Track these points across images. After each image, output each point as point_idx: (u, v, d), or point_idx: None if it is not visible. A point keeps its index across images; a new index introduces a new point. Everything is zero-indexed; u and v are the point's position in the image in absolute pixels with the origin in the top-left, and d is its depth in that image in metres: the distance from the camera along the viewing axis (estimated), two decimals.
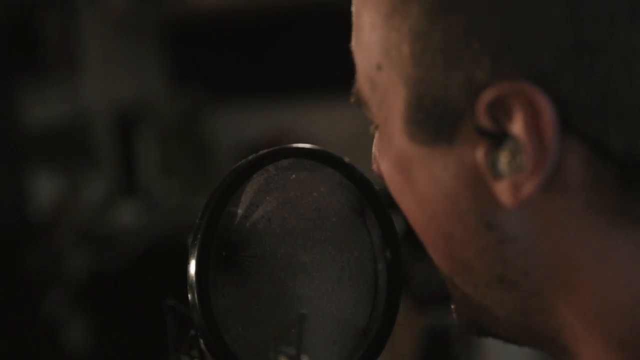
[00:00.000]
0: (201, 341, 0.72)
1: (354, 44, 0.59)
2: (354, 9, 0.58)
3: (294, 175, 0.67)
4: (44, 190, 2.96)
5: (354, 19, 0.58)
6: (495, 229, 0.52)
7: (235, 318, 0.65)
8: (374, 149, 0.62)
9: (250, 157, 0.65)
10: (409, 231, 0.60)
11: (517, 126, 0.49)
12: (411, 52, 0.53)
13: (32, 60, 2.99)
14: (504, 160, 0.50)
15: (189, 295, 0.63)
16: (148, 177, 3.02)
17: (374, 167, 0.63)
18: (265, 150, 0.66)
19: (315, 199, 0.67)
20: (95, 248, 2.88)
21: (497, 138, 0.50)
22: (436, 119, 0.52)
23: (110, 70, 3.13)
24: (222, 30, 3.08)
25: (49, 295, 2.86)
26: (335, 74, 2.99)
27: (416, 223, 0.57)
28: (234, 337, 0.64)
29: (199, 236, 0.63)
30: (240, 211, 0.65)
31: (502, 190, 0.51)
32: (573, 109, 0.48)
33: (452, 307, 0.60)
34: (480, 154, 0.51)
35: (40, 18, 3.00)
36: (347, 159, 0.68)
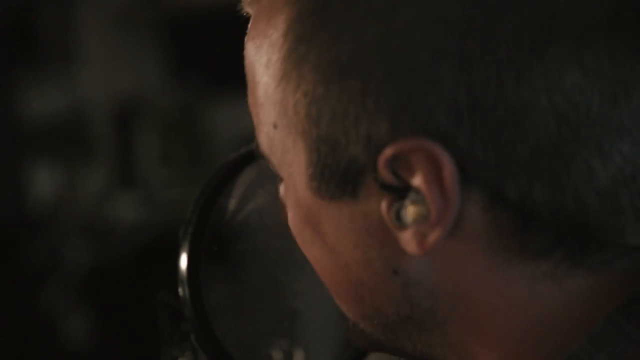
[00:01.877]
0: (192, 336, 0.72)
1: (249, 100, 0.60)
2: (246, 63, 0.60)
3: None
4: (42, 184, 2.96)
5: (247, 72, 0.60)
6: (401, 274, 0.54)
7: (227, 312, 0.64)
8: (281, 188, 0.62)
9: (241, 151, 0.65)
10: None
11: (419, 180, 0.51)
12: (307, 114, 0.53)
13: (31, 53, 2.98)
14: (407, 212, 0.51)
15: (180, 290, 0.62)
16: (146, 170, 3.02)
17: (281, 207, 0.62)
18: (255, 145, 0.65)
19: None
20: (94, 241, 2.87)
21: (400, 191, 0.52)
22: (339, 175, 0.53)
23: (108, 63, 3.12)
24: (221, 23, 3.06)
25: (47, 288, 2.86)
26: None
27: (327, 274, 0.58)
28: (226, 331, 0.64)
29: (190, 230, 0.62)
30: (231, 205, 0.64)
31: (408, 240, 0.52)
32: (470, 162, 0.50)
33: (349, 332, 0.61)
34: (384, 206, 0.52)
35: (39, 11, 3.00)
36: None
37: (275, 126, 0.55)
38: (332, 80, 0.52)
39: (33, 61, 2.98)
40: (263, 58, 0.56)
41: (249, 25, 0.59)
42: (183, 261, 0.62)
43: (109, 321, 2.90)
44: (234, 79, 2.91)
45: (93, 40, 3.07)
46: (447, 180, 0.50)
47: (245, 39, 0.60)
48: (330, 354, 0.69)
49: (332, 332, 0.69)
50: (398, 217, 0.52)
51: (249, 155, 0.65)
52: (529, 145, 0.50)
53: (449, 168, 0.50)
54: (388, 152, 0.51)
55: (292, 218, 0.58)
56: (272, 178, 0.66)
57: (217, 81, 3.04)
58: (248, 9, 0.60)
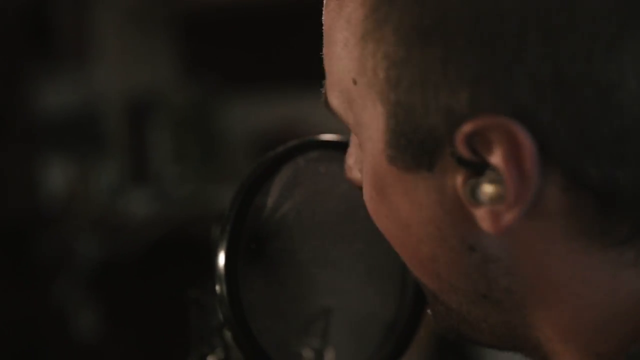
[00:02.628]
0: (226, 333, 0.72)
1: (325, 53, 0.58)
2: (324, 20, 0.58)
3: (322, 168, 0.66)
4: (55, 178, 2.96)
5: (325, 30, 0.58)
6: (478, 251, 0.53)
7: (263, 311, 0.64)
8: (349, 159, 0.62)
9: (279, 149, 0.65)
10: None
11: (497, 158, 0.49)
12: (387, 77, 0.52)
13: (45, 49, 2.98)
14: (483, 190, 0.50)
15: (217, 287, 0.62)
16: (160, 165, 3.02)
17: (348, 174, 0.62)
18: (294, 142, 0.65)
19: (344, 192, 0.66)
20: (107, 236, 2.87)
21: (477, 167, 0.50)
22: (416, 145, 0.52)
23: (123, 59, 3.12)
24: (235, 21, 3.07)
25: (59, 282, 2.86)
26: None
27: (401, 247, 0.57)
28: (261, 329, 0.64)
29: (227, 228, 0.62)
30: (269, 203, 0.64)
31: (483, 218, 0.51)
32: (551, 141, 0.49)
33: (430, 312, 0.60)
34: (459, 182, 0.51)
35: (54, 6, 3.00)
36: None
37: (355, 82, 0.54)
38: (413, 44, 0.50)
39: (48, 56, 2.98)
40: (344, 12, 0.54)
41: None
42: (221, 259, 0.62)
43: (120, 316, 2.90)
44: (248, 76, 2.93)
45: (108, 36, 3.07)
46: (526, 160, 0.49)
47: None
48: (361, 356, 0.69)
49: (366, 333, 0.69)
50: (473, 193, 0.51)
51: (287, 153, 0.64)
52: (613, 126, 0.48)
53: (529, 148, 0.48)
54: (466, 127, 0.49)
55: (366, 187, 0.56)
56: (309, 176, 0.66)
57: (230, 78, 3.04)
58: None
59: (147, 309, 2.91)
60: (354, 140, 0.61)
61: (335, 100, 0.57)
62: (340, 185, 0.66)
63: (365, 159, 0.56)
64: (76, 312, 2.89)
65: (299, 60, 3.01)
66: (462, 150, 0.50)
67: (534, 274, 0.52)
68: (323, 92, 0.59)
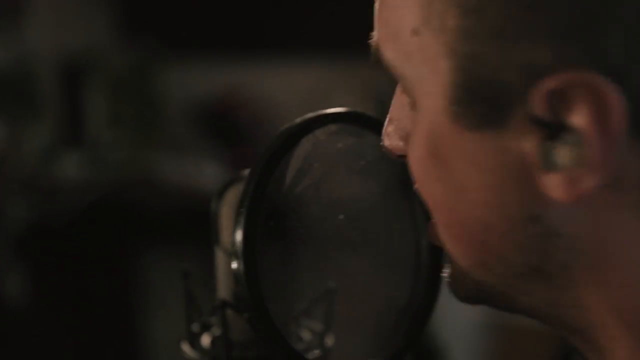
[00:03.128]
0: (225, 310, 0.69)
1: (380, 2, 0.54)
2: None
3: (341, 143, 0.63)
4: None
5: None
6: (539, 222, 0.49)
7: (277, 290, 0.61)
8: (389, 125, 0.57)
9: (297, 121, 0.61)
10: None
11: (580, 118, 0.46)
12: (459, 26, 0.48)
13: None
14: (560, 153, 0.47)
15: (234, 265, 0.59)
16: (94, 129, 2.94)
17: (386, 142, 0.58)
18: (313, 114, 0.62)
19: (363, 168, 0.64)
20: (37, 199, 2.80)
21: (553, 128, 0.47)
22: (485, 102, 0.48)
23: (58, 17, 3.02)
24: None
25: None
26: (292, 32, 2.95)
27: (446, 214, 0.53)
28: (276, 310, 0.61)
29: (246, 203, 0.58)
30: (288, 178, 0.61)
31: (555, 184, 0.47)
32: None
33: (450, 281, 0.57)
34: (531, 143, 0.47)
35: None
36: None
37: (415, 33, 0.50)
38: None
39: None
40: None
41: None
42: (239, 235, 0.58)
43: (48, 280, 2.84)
44: (189, 40, 2.86)
45: None
46: (614, 122, 0.45)
47: None
48: (375, 340, 0.67)
49: (379, 315, 0.66)
50: (547, 157, 0.47)
51: (306, 125, 0.61)
52: None
53: (619, 109, 0.45)
54: (549, 83, 0.46)
55: (417, 149, 0.52)
56: (328, 150, 0.63)
57: (171, 42, 2.98)
58: None
59: (76, 274, 2.85)
60: (397, 105, 0.57)
61: (390, 53, 0.53)
62: (359, 161, 0.64)
63: (420, 117, 0.52)
64: (3, 274, 2.81)
65: (243, 26, 2.96)
66: (540, 109, 0.46)
67: (599, 250, 0.49)
68: (373, 44, 0.55)
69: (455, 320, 2.14)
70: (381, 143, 0.58)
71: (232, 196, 0.71)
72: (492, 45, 0.47)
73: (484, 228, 0.51)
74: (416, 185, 0.54)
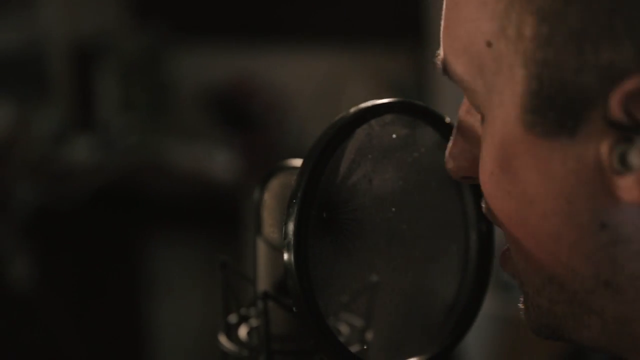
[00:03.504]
0: (260, 302, 0.68)
1: (449, 16, 0.53)
2: None
3: (395, 133, 0.61)
4: None
5: None
6: (609, 229, 0.49)
7: (328, 285, 0.60)
8: (453, 147, 0.57)
9: (352, 110, 0.60)
10: None
11: None
12: (537, 33, 0.48)
13: None
14: (638, 155, 0.46)
15: (285, 257, 0.57)
16: (106, 113, 2.93)
17: (450, 164, 0.57)
18: (368, 104, 0.60)
19: (416, 160, 0.62)
20: (47, 183, 2.78)
21: (629, 131, 0.46)
22: (560, 107, 0.48)
23: (71, 0, 3.01)
24: None
25: None
26: (307, 20, 2.93)
27: (517, 227, 0.52)
28: (326, 305, 0.59)
29: (299, 194, 0.56)
30: (341, 169, 0.59)
31: (629, 187, 0.47)
32: None
33: (522, 308, 0.56)
34: (606, 147, 0.47)
35: None
36: (448, 119, 0.63)
37: (489, 45, 0.50)
38: None
39: None
40: None
41: None
42: (290, 227, 0.56)
43: (56, 264, 2.83)
44: (202, 25, 2.85)
45: None
46: None
47: None
48: (420, 336, 0.65)
49: (426, 312, 0.65)
50: (622, 160, 0.47)
51: (361, 115, 0.59)
52: None
53: None
54: (630, 84, 0.45)
55: (488, 163, 0.52)
56: (382, 141, 0.61)
57: (183, 26, 2.96)
58: None
59: (84, 259, 2.84)
60: (462, 127, 0.57)
61: (461, 67, 0.52)
62: (412, 153, 0.62)
63: (491, 130, 0.52)
64: (11, 258, 2.80)
65: (257, 12, 2.94)
66: (617, 111, 0.46)
67: None
68: (439, 59, 0.55)
69: None
70: (445, 165, 0.58)
71: (276, 186, 0.69)
72: (571, 50, 0.47)
73: (553, 239, 0.51)
74: (487, 203, 0.54)
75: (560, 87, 0.47)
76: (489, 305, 2.49)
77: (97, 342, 2.79)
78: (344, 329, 0.70)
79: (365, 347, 0.67)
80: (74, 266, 2.84)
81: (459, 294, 0.65)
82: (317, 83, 2.76)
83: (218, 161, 2.70)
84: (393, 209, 0.61)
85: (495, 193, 0.52)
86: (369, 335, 0.69)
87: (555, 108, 0.48)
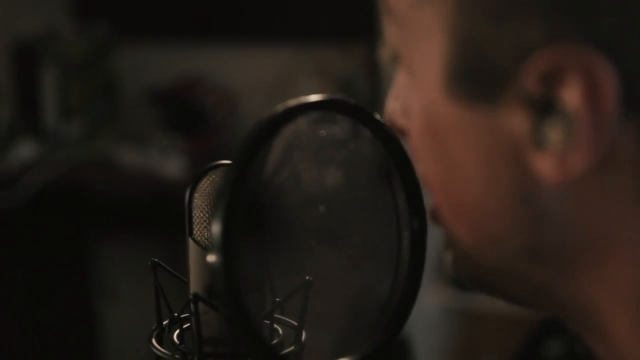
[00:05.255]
0: (193, 306, 0.67)
1: None
2: None
3: (323, 130, 0.61)
4: None
5: None
6: (533, 202, 0.48)
7: (254, 284, 0.59)
8: (393, 102, 0.57)
9: (279, 108, 0.59)
10: None
11: (572, 96, 0.45)
12: (458, 4, 0.48)
13: None
14: (552, 132, 0.46)
15: (212, 258, 0.56)
16: (50, 114, 2.89)
17: (389, 119, 0.57)
18: (294, 101, 0.59)
19: (345, 157, 0.62)
20: None
21: (545, 107, 0.46)
22: (479, 77, 0.47)
23: (9, 1, 2.97)
24: None
25: None
26: (256, 18, 2.91)
27: (442, 191, 0.52)
28: (253, 305, 0.59)
29: (225, 194, 0.56)
30: (268, 168, 0.58)
31: (546, 164, 0.47)
32: (636, 85, 0.45)
33: (452, 263, 0.56)
34: (522, 122, 0.47)
35: None
36: (377, 115, 0.62)
37: (415, 8, 0.50)
38: None
39: None
40: None
41: None
42: (217, 227, 0.56)
43: (2, 263, 2.79)
44: (146, 25, 2.81)
45: None
46: (607, 101, 0.44)
47: None
48: (354, 335, 0.64)
49: (359, 311, 0.64)
50: (538, 136, 0.46)
51: (288, 112, 0.58)
52: None
53: (612, 88, 0.44)
54: (540, 58, 0.45)
55: (417, 127, 0.52)
56: (310, 139, 0.60)
57: (127, 26, 2.93)
58: None
59: (30, 260, 2.80)
60: (399, 85, 0.56)
61: (392, 33, 0.53)
62: (341, 150, 0.62)
63: (419, 95, 0.52)
64: None
65: (206, 11, 2.92)
66: (531, 85, 0.46)
67: (593, 231, 0.48)
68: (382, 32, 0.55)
69: (422, 306, 2.13)
70: (383, 120, 0.58)
71: (207, 186, 0.68)
72: (487, 22, 0.47)
73: (479, 207, 0.50)
74: (416, 164, 0.54)
75: (480, 58, 0.47)
76: (446, 298, 2.50)
77: (45, 346, 2.75)
78: (279, 329, 0.69)
79: (297, 348, 0.66)
80: (18, 269, 2.80)
81: (392, 292, 0.64)
82: (268, 82, 2.74)
83: (167, 162, 2.68)
84: (322, 208, 0.61)
85: (422, 155, 0.53)
86: (303, 336, 0.68)
87: (475, 77, 0.48)
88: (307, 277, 0.65)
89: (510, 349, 2.20)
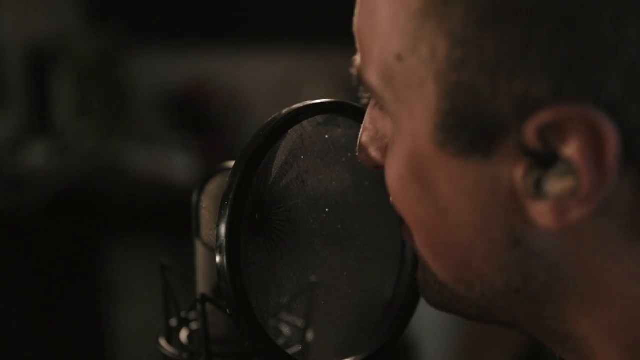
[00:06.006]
0: (200, 305, 0.67)
1: (362, 26, 0.52)
2: None
3: (328, 134, 0.62)
4: None
5: (361, 1, 0.52)
6: (523, 245, 0.49)
7: (260, 285, 0.60)
8: (363, 136, 0.57)
9: (284, 112, 0.60)
10: None
11: (573, 150, 0.46)
12: (450, 55, 0.47)
13: None
14: (551, 183, 0.47)
15: (217, 259, 0.57)
16: (62, 117, 2.91)
17: (362, 155, 0.57)
18: (300, 105, 0.60)
19: (350, 160, 0.62)
20: (2, 189, 2.76)
21: (543, 159, 0.47)
22: (474, 130, 0.47)
23: (24, 4, 2.98)
24: None
25: None
26: (263, 21, 2.92)
27: (428, 234, 0.52)
28: (260, 306, 0.59)
29: (231, 196, 0.56)
30: (273, 170, 0.59)
31: (543, 212, 0.47)
32: (636, 137, 0.46)
33: (423, 286, 0.57)
34: (520, 172, 0.47)
35: None
36: None
37: (399, 58, 0.49)
38: (488, 24, 0.46)
39: None
40: None
41: None
42: (222, 229, 0.56)
43: (15, 270, 2.80)
44: (157, 28, 2.82)
45: None
46: (609, 155, 0.45)
47: None
48: (358, 335, 0.65)
49: (363, 311, 0.65)
50: (537, 186, 0.47)
51: (293, 116, 0.59)
52: None
53: (614, 143, 0.45)
54: (545, 116, 0.45)
55: (397, 168, 0.52)
56: (315, 142, 0.61)
57: (140, 29, 2.94)
58: None
59: (43, 264, 2.81)
60: (372, 117, 0.56)
61: (372, 76, 0.52)
62: (346, 154, 0.62)
63: (402, 139, 0.51)
64: None
65: (214, 14, 2.93)
66: (532, 140, 0.46)
67: (581, 270, 0.49)
68: (355, 65, 0.55)
69: (426, 309, 2.13)
70: (356, 154, 0.58)
71: (214, 188, 0.69)
72: (484, 77, 0.47)
73: (466, 249, 0.51)
74: (393, 201, 0.54)
75: (474, 111, 0.47)
76: None
77: (56, 348, 2.76)
78: (285, 329, 0.70)
79: (303, 347, 0.67)
80: (31, 272, 2.81)
81: (396, 292, 0.65)
82: (275, 84, 2.75)
83: (176, 164, 2.69)
84: (327, 210, 0.61)
85: (404, 196, 0.52)
86: (310, 336, 0.69)
87: (468, 129, 0.48)
88: (312, 278, 0.65)
89: (514, 349, 2.20)
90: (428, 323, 2.20)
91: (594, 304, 0.50)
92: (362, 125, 0.57)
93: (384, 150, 0.55)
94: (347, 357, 0.64)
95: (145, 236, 2.84)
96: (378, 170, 0.58)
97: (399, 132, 0.51)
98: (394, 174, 0.52)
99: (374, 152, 0.56)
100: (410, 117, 0.50)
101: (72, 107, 2.90)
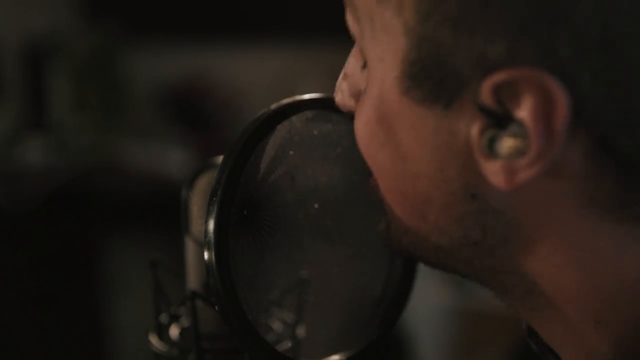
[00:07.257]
0: (194, 301, 0.67)
1: None
2: None
3: (317, 130, 0.61)
4: None
5: None
6: (480, 200, 0.50)
7: (249, 281, 0.59)
8: (342, 81, 0.58)
9: (273, 107, 0.60)
10: None
11: (525, 112, 0.47)
12: (416, 8, 0.49)
13: None
14: (503, 143, 0.48)
15: (206, 255, 0.57)
16: (59, 114, 2.90)
17: (338, 98, 0.58)
18: (288, 100, 0.60)
19: (339, 155, 0.62)
20: (1, 185, 2.76)
21: (498, 118, 0.48)
22: (436, 81, 0.49)
23: (20, 0, 2.98)
24: None
25: None
26: (259, 17, 2.92)
27: (389, 181, 0.54)
28: (248, 301, 0.59)
29: (219, 192, 0.56)
30: (262, 166, 0.59)
31: (494, 171, 0.48)
32: (585, 103, 0.46)
33: (386, 232, 0.57)
34: (475, 129, 0.49)
35: None
36: None
37: (379, 1, 0.51)
38: None
39: None
40: None
41: None
42: (211, 226, 0.56)
43: (13, 266, 2.80)
44: (153, 24, 2.82)
45: None
46: (558, 119, 0.46)
47: None
48: (348, 331, 0.65)
49: (354, 307, 0.65)
50: (490, 145, 0.48)
51: (282, 111, 0.59)
52: None
53: (563, 106, 0.46)
54: (499, 76, 0.46)
55: (365, 110, 0.53)
56: (304, 137, 0.61)
57: (136, 25, 2.94)
58: None
59: (40, 260, 2.81)
60: (353, 61, 0.57)
61: (352, 24, 0.54)
62: (335, 149, 0.62)
63: (371, 81, 0.53)
64: None
65: (210, 10, 2.93)
66: (487, 99, 0.47)
67: (537, 231, 0.50)
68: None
69: (421, 305, 2.13)
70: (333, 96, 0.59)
71: (204, 184, 0.69)
72: (447, 31, 0.48)
73: (424, 200, 0.52)
74: (359, 145, 0.55)
75: (436, 63, 0.48)
76: (445, 298, 2.50)
77: (55, 344, 2.76)
78: (275, 325, 0.70)
79: (293, 343, 0.67)
80: (27, 268, 2.81)
81: (386, 288, 0.65)
82: (271, 80, 2.75)
83: (173, 160, 2.69)
84: (316, 205, 0.61)
85: (369, 141, 0.53)
86: (300, 331, 0.69)
87: (431, 80, 0.49)
88: (303, 274, 0.65)
89: (510, 348, 2.20)
90: (423, 318, 2.20)
91: (550, 264, 0.51)
92: (343, 72, 0.58)
93: (357, 97, 0.56)
94: (337, 353, 0.64)
95: (142, 232, 2.84)
96: (368, 166, 0.58)
97: (370, 74, 0.53)
98: (363, 118, 0.54)
99: (349, 98, 0.57)
100: (380, 61, 0.51)
101: (68, 103, 2.89)
